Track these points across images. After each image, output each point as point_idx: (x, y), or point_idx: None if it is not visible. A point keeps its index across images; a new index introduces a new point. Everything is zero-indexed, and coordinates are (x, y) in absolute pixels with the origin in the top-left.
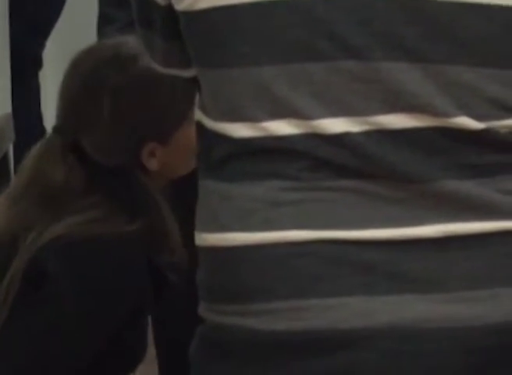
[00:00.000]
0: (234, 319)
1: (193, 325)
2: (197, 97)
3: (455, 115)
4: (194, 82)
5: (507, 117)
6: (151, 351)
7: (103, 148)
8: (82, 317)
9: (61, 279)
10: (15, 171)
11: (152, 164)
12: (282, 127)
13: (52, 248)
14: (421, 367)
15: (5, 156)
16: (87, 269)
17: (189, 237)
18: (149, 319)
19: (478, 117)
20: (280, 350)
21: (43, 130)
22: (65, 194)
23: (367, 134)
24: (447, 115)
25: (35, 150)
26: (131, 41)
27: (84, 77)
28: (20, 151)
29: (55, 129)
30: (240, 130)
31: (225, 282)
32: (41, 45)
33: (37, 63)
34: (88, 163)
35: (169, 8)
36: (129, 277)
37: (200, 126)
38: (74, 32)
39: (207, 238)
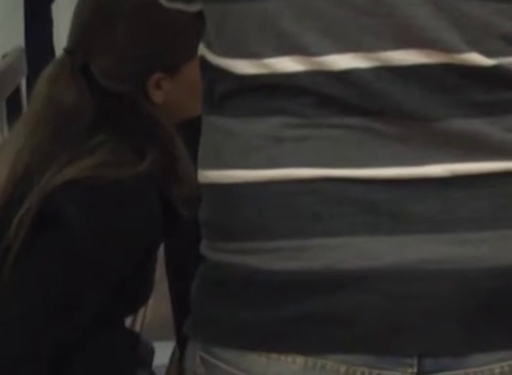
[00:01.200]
0: (234, 257)
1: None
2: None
3: (465, 51)
4: (199, 17)
5: None
6: (164, 287)
7: (111, 72)
8: (100, 260)
9: (77, 223)
10: (27, 105)
11: (158, 96)
12: (287, 64)
13: (67, 191)
14: (423, 309)
15: (18, 90)
16: (103, 213)
17: None
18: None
19: (488, 53)
20: (278, 289)
21: None
22: (76, 123)
23: (375, 71)
24: (457, 51)
25: (47, 71)
26: None
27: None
28: (33, 84)
29: (67, 50)
30: (244, 67)
31: (227, 219)
32: None
33: None
34: (97, 88)
35: None
36: (146, 218)
37: (203, 61)
38: None
39: (209, 175)
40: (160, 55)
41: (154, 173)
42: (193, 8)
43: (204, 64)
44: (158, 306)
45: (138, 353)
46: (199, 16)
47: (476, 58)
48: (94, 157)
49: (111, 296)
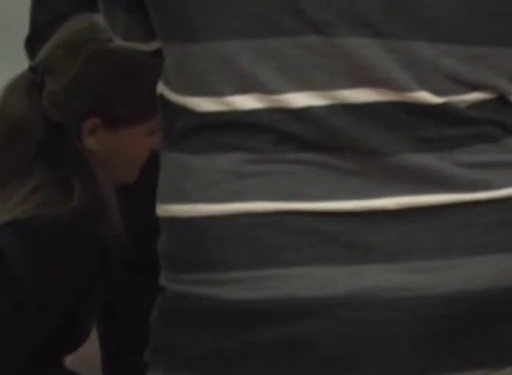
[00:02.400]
0: (195, 288)
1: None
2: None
3: (415, 89)
4: (155, 56)
5: (465, 92)
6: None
7: (56, 99)
8: (39, 299)
9: (21, 263)
10: None
11: (91, 142)
12: (246, 102)
13: (10, 232)
14: (379, 335)
15: None
16: (45, 253)
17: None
18: None
19: (437, 92)
20: (240, 319)
21: None
22: (23, 137)
23: (330, 108)
24: (408, 89)
25: (8, 82)
26: None
27: (73, 33)
28: None
29: (30, 67)
30: (205, 104)
31: (188, 251)
32: None
33: None
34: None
35: None
36: (86, 254)
37: (162, 99)
38: None
39: (170, 209)
40: (102, 102)
41: (88, 210)
42: (150, 47)
43: (163, 102)
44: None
45: None
46: (155, 54)
47: (425, 97)
48: (33, 196)
49: (52, 334)
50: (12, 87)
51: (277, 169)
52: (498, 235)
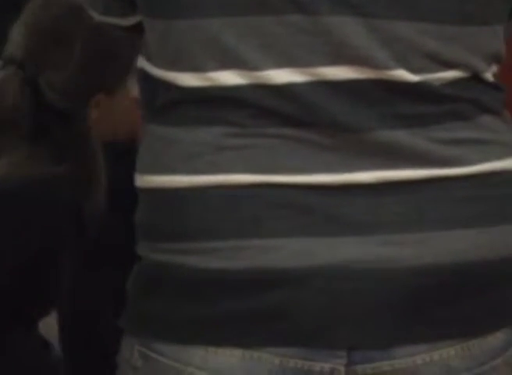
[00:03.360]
0: (174, 257)
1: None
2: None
3: (393, 68)
4: (133, 30)
5: (441, 70)
6: None
7: (59, 88)
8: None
9: None
10: None
11: (94, 113)
12: (228, 77)
13: None
14: (353, 305)
15: None
16: (9, 208)
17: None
18: None
19: (414, 70)
20: (216, 288)
21: None
22: (12, 128)
23: (310, 85)
24: (386, 67)
25: None
26: None
27: (58, 18)
28: None
29: (16, 60)
30: (188, 79)
31: (168, 221)
32: None
33: None
34: (40, 98)
35: None
36: (52, 216)
37: (143, 74)
38: None
39: (151, 180)
40: (106, 79)
41: (70, 181)
42: (128, 22)
43: (145, 76)
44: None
45: (50, 360)
46: (132, 29)
47: (402, 75)
48: (8, 156)
49: (23, 295)
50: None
51: (256, 143)
52: (468, 210)
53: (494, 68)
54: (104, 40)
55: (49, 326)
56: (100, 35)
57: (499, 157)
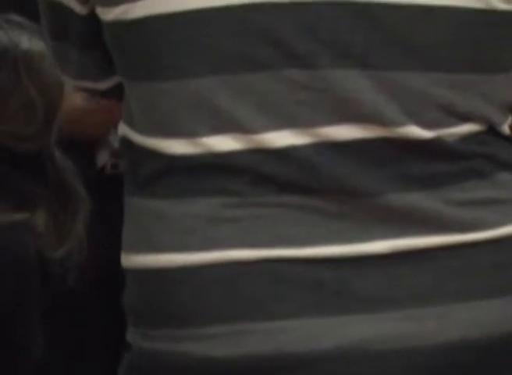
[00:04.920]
0: (169, 345)
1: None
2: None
3: (403, 123)
4: (111, 94)
5: (456, 124)
6: None
7: (18, 136)
8: None
9: None
10: None
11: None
12: (223, 143)
13: None
14: None
15: None
16: None
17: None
18: None
19: (426, 125)
20: None
21: None
22: None
23: (313, 147)
24: (395, 124)
25: None
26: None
27: None
28: None
29: None
30: (177, 147)
31: (160, 305)
32: None
33: None
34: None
35: (90, 17)
36: (14, 265)
37: (126, 141)
38: None
39: (138, 260)
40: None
41: (35, 227)
42: (103, 85)
43: (127, 144)
44: None
45: None
46: (110, 93)
47: (415, 131)
48: None
49: None
50: None
51: (257, 214)
52: (492, 278)
53: (510, 119)
54: None
55: None
56: None
57: None
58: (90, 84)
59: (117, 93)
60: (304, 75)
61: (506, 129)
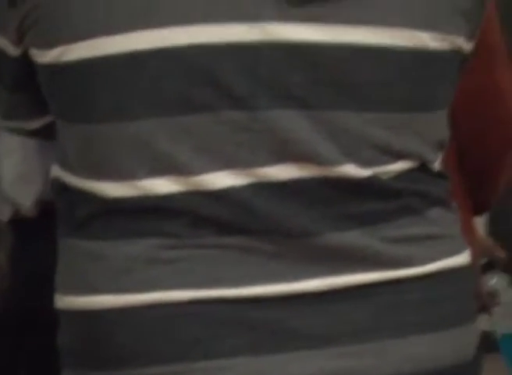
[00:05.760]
0: None
1: None
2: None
3: (340, 162)
4: (38, 134)
5: (390, 162)
6: None
7: None
8: None
9: None
10: None
11: None
12: (162, 185)
13: None
14: None
15: None
16: None
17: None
18: None
19: (363, 164)
20: None
21: None
22: None
23: (251, 187)
24: (332, 163)
25: None
26: None
27: None
28: None
29: None
30: (114, 189)
31: (97, 347)
32: None
33: None
34: None
35: (22, 59)
36: None
37: (59, 184)
38: None
39: (74, 301)
40: None
41: None
42: (33, 125)
43: (61, 186)
44: None
45: None
46: (39, 132)
47: (351, 170)
48: None
49: None
50: None
51: (194, 255)
52: (423, 313)
53: (440, 156)
54: None
55: None
56: None
57: (450, 253)
58: (19, 124)
59: (48, 132)
60: (244, 116)
61: (437, 166)
